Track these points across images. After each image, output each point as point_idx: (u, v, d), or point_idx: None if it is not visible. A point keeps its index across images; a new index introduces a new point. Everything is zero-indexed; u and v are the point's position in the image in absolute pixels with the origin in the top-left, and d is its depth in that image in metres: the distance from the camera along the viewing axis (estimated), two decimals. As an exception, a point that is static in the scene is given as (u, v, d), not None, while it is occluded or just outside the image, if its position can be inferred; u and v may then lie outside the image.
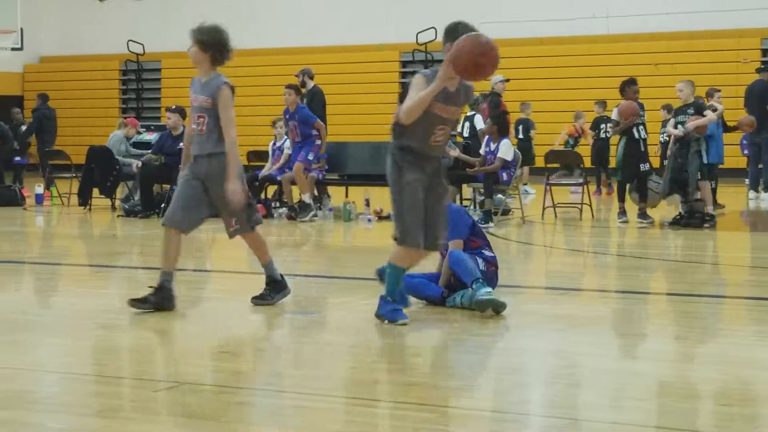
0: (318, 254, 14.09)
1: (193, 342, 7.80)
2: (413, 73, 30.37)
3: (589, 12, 29.20)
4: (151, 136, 20.81)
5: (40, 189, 20.49)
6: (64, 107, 34.93)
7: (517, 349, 7.59)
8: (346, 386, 6.46)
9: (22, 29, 27.36)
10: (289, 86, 17.12)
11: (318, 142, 17.00)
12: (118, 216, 17.83)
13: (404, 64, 31.32)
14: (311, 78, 18.58)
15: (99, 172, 18.94)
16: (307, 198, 17.03)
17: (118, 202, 19.10)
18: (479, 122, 18.90)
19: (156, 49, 33.46)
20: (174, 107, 17.81)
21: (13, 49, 27.68)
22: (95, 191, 19.12)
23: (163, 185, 17.93)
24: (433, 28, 29.49)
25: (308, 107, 17.35)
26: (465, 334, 7.97)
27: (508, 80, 19.95)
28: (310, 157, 16.99)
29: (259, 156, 19.23)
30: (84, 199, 19.11)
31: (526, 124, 24.46)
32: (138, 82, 34.37)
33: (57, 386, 6.45)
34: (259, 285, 9.16)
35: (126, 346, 7.74)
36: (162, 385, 6.37)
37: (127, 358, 7.41)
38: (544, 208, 17.20)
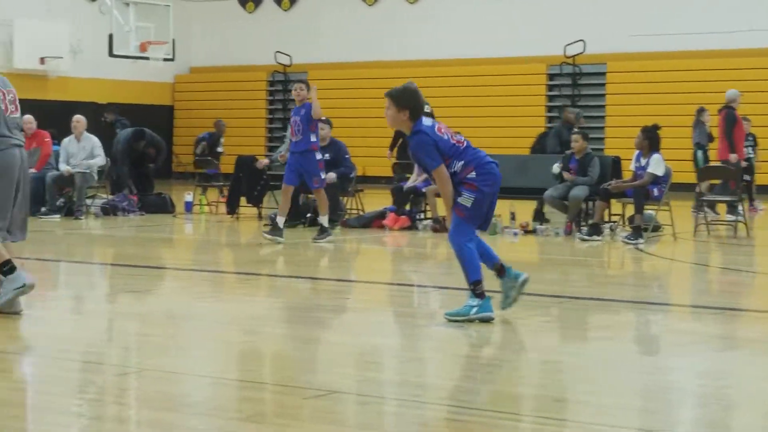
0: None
1: (338, 351, 7.81)
2: (560, 86, 30.50)
3: (746, 25, 28.58)
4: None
5: (189, 197, 20.82)
6: (211, 117, 35.51)
7: (668, 368, 7.44)
8: (492, 400, 6.40)
9: (173, 40, 27.86)
10: (300, 81, 16.17)
11: (319, 157, 15.41)
12: (265, 225, 18.00)
13: (551, 77, 31.09)
14: None
15: (246, 181, 19.20)
16: (324, 221, 15.44)
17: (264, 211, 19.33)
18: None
19: (303, 61, 33.79)
20: (324, 118, 17.90)
21: (165, 59, 28.19)
22: (243, 200, 19.38)
23: (309, 195, 18.05)
24: (581, 40, 29.28)
25: None
26: (613, 352, 7.84)
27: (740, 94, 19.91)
28: (323, 175, 15.45)
29: (404, 168, 19.25)
30: (232, 207, 19.40)
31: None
32: (285, 93, 34.74)
33: (207, 390, 6.52)
34: (401, 295, 9.13)
35: (273, 353, 7.79)
36: (310, 392, 6.39)
37: (274, 364, 7.46)
38: (696, 225, 16.89)
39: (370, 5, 33.28)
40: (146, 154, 21.37)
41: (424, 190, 17.43)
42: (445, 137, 8.72)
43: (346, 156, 17.92)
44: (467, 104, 30.56)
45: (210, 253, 15.43)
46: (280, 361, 7.55)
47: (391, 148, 20.66)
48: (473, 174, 8.70)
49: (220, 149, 26.21)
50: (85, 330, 8.68)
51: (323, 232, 15.31)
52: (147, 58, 27.22)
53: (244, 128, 34.39)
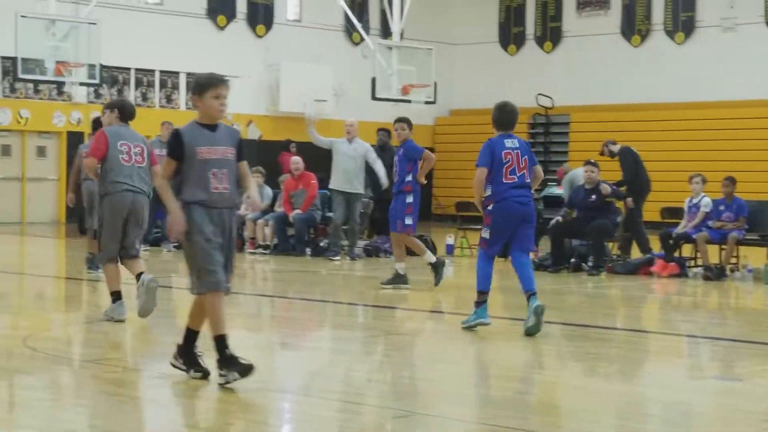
0: (737, 317, 13.51)
1: (605, 399, 7.54)
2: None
3: None
4: (561, 190, 20.75)
5: (450, 240, 20.78)
6: (472, 159, 35.46)
7: None
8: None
9: (435, 83, 28.04)
10: (402, 119, 15.10)
11: (410, 200, 14.48)
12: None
13: (824, 118, 29.89)
14: None
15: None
16: (401, 269, 14.45)
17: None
18: None
19: (565, 103, 33.51)
20: (592, 161, 17.64)
21: (426, 102, 28.38)
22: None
23: (573, 239, 17.78)
24: None
25: None
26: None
27: None
28: (408, 221, 14.43)
29: (673, 213, 18.75)
30: (503, 251, 19.24)
31: None
32: (545, 136, 34.51)
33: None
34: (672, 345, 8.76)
35: (538, 401, 7.59)
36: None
37: (539, 412, 7.26)
38: None
39: (635, 46, 32.77)
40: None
41: (694, 237, 16.89)
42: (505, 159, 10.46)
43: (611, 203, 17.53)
44: (741, 147, 29.50)
45: (470, 297, 15.27)
46: (546, 408, 7.36)
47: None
48: (490, 207, 10.50)
49: None
50: (348, 371, 8.67)
51: (397, 279, 14.31)
52: (409, 101, 27.42)
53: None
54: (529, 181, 10.60)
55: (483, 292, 10.60)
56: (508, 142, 10.56)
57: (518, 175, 10.47)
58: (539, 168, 10.91)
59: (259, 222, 20.11)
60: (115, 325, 10.51)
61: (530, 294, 10.40)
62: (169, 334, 9.34)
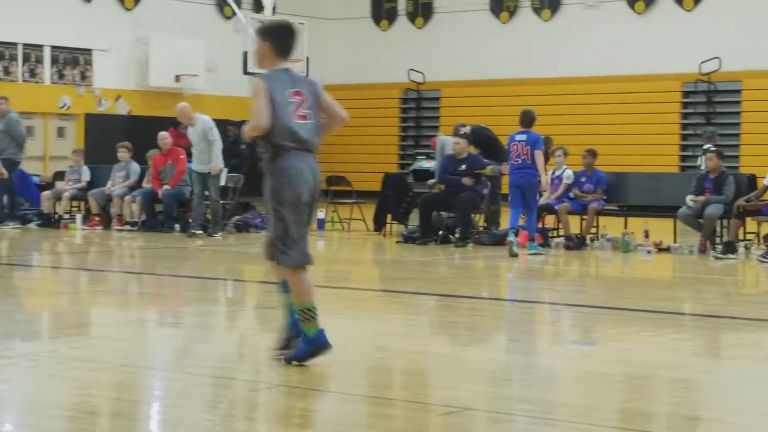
0: (596, 285, 13.93)
1: (470, 367, 7.80)
2: (695, 104, 30.10)
3: None
4: (431, 164, 21.09)
5: (321, 214, 20.95)
6: (344, 134, 35.69)
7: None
8: (624, 418, 6.34)
9: (308, 58, 28.10)
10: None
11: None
12: (396, 242, 18.08)
13: (686, 94, 30.67)
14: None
15: (393, 199, 19.38)
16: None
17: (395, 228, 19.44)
18: None
19: (436, 78, 33.84)
20: (462, 132, 18.08)
21: (299, 77, 28.45)
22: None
23: (441, 212, 18.11)
24: (717, 57, 28.86)
25: None
26: (747, 370, 7.71)
27: None
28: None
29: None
30: (379, 224, 19.62)
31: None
32: (417, 111, 34.81)
33: (339, 407, 6.56)
34: (533, 313, 9.09)
35: (405, 370, 7.81)
36: (442, 409, 6.39)
37: (406, 381, 7.48)
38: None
39: (504, 22, 33.19)
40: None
41: (556, 207, 17.33)
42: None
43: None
44: (601, 122, 30.36)
45: (342, 270, 15.53)
46: (412, 377, 7.57)
47: None
48: None
49: None
50: (217, 345, 8.81)
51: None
52: (281, 76, 27.46)
53: (376, 146, 34.56)
54: (530, 162, 16.04)
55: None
56: (518, 137, 16.26)
57: (522, 158, 16.09)
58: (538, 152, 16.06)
59: (127, 198, 19.95)
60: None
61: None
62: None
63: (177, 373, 7.54)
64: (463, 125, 19.27)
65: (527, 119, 16.35)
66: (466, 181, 17.49)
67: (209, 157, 18.58)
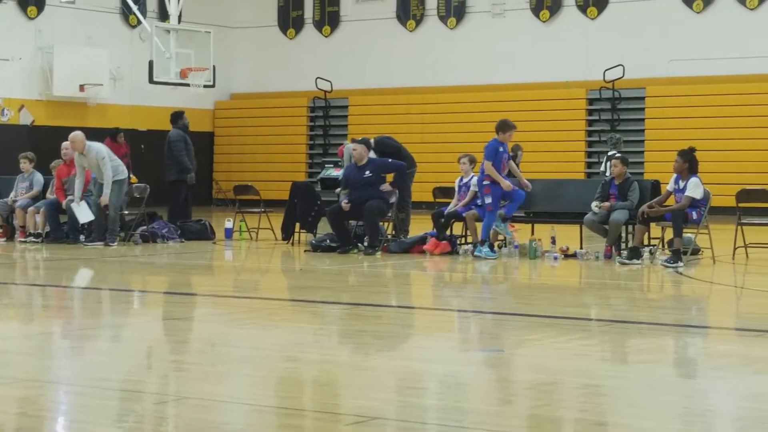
0: (504, 291, 14.02)
1: (379, 376, 7.80)
2: (600, 111, 30.46)
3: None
4: (338, 172, 21.10)
5: (229, 224, 20.85)
6: (252, 143, 35.60)
7: (708, 391, 7.39)
8: (533, 425, 6.38)
9: (214, 67, 27.94)
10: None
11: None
12: (304, 251, 18.05)
13: (591, 101, 31.03)
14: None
15: (301, 207, 19.28)
16: None
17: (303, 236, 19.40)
18: None
19: (344, 87, 33.88)
20: (360, 138, 18.07)
21: (205, 86, 28.23)
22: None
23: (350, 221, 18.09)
24: (620, 65, 29.22)
25: None
26: (653, 375, 7.80)
27: None
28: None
29: (444, 192, 19.26)
30: (287, 233, 19.52)
31: None
32: (325, 119, 34.82)
33: (247, 418, 6.53)
34: (442, 320, 9.12)
35: (313, 379, 7.79)
36: (351, 419, 6.38)
37: (315, 391, 7.46)
38: (735, 248, 16.79)
39: (410, 31, 33.33)
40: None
41: (464, 215, 17.41)
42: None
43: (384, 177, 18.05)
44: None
45: (250, 279, 15.47)
46: (321, 387, 7.55)
47: None
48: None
49: None
50: (124, 358, 8.72)
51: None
52: (187, 85, 27.20)
53: (284, 154, 34.51)
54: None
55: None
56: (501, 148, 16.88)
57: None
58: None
59: (30, 209, 19.64)
60: None
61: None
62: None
63: (83, 387, 7.44)
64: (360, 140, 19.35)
65: (496, 126, 17.04)
66: (385, 187, 17.54)
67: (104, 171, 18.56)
